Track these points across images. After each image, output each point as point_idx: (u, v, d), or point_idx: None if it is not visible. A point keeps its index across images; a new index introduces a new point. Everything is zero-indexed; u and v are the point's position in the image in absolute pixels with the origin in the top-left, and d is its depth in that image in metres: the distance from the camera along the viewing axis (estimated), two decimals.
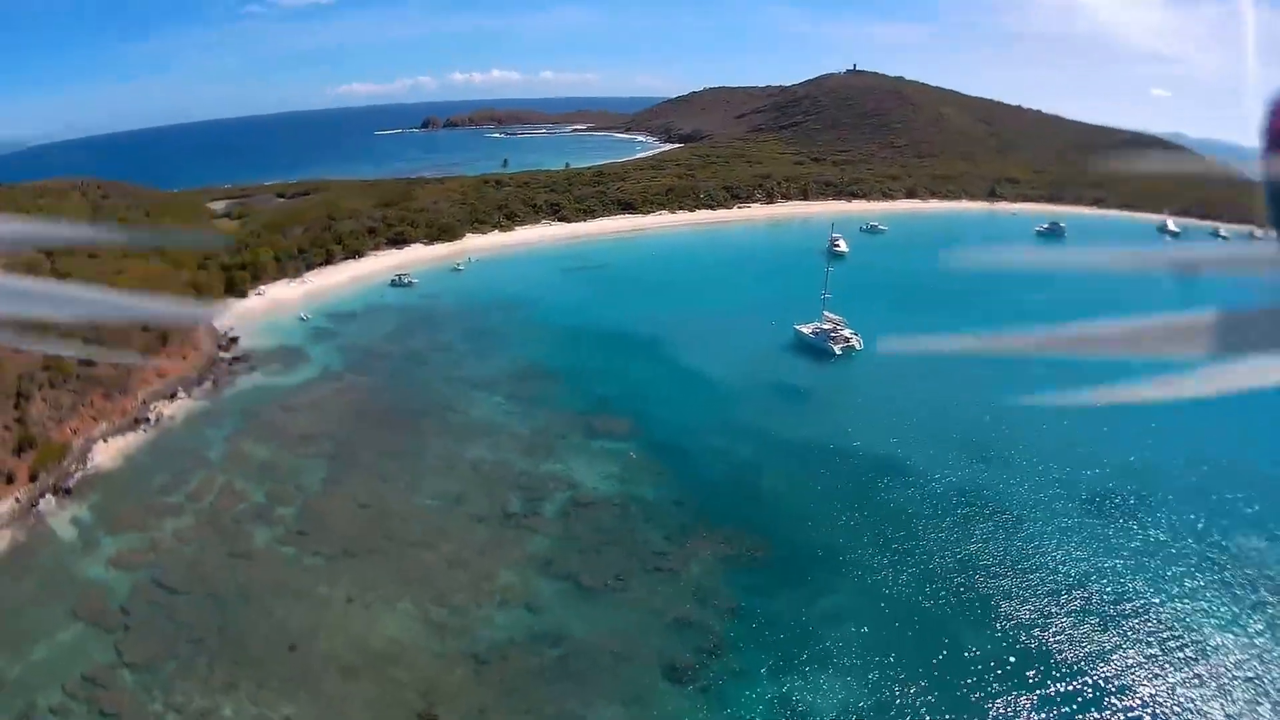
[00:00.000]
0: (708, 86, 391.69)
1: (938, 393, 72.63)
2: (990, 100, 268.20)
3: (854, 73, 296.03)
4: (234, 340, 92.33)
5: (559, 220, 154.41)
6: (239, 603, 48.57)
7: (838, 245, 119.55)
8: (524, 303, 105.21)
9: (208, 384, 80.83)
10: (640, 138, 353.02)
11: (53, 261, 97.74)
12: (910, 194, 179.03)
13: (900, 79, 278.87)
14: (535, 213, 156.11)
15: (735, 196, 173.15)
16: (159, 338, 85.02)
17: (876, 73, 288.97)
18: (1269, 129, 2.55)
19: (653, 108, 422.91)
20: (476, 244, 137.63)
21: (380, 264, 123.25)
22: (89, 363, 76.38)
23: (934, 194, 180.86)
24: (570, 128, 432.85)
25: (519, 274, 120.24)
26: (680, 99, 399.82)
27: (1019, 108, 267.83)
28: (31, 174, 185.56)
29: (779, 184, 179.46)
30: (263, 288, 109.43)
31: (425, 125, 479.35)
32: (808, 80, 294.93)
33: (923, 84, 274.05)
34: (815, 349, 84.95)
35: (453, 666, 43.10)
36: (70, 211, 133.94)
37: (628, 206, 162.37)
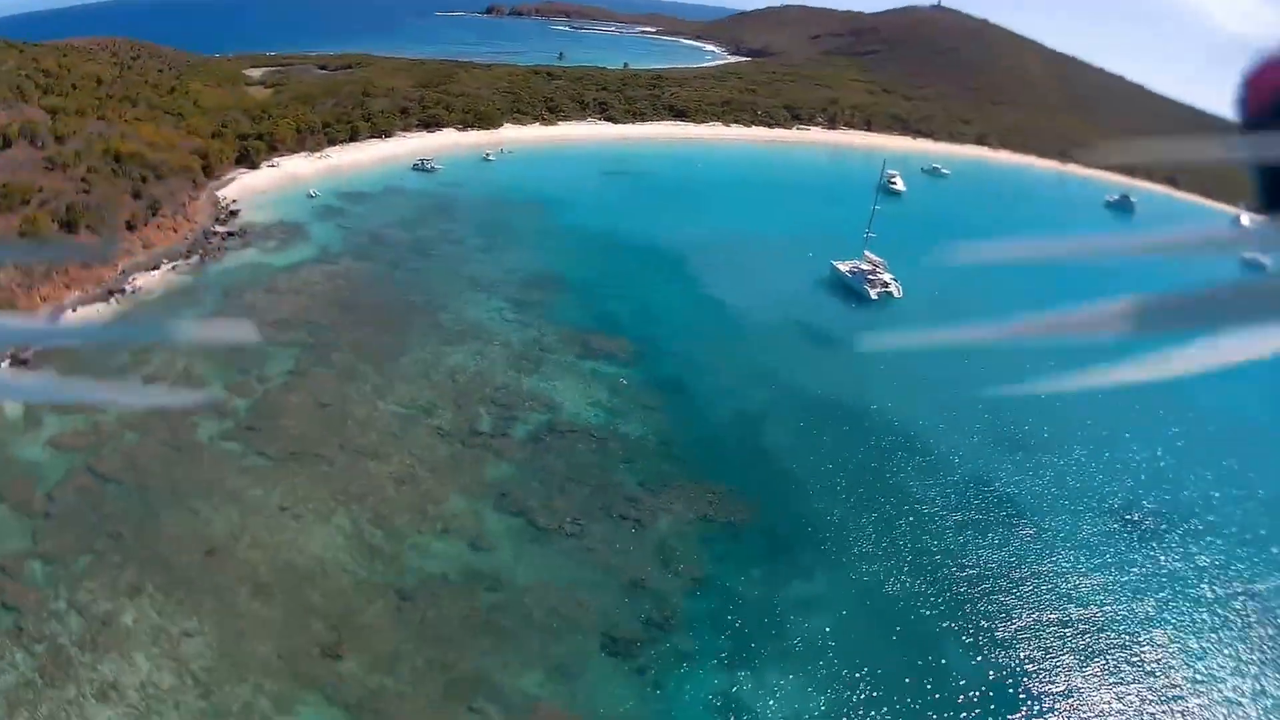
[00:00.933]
0: (786, 3, 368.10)
1: (971, 365, 64.33)
2: (1072, 58, 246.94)
3: (938, 9, 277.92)
4: (234, 213, 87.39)
5: (606, 120, 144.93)
6: (167, 499, 44.19)
7: (894, 183, 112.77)
8: (550, 202, 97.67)
9: (195, 258, 75.88)
10: (709, 47, 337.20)
11: (54, 119, 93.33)
12: (979, 140, 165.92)
13: (985, 22, 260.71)
14: (582, 109, 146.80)
15: (795, 117, 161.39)
16: (149, 207, 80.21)
17: (962, 11, 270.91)
18: (1245, 102, 2.47)
19: (725, 19, 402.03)
20: (514, 135, 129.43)
21: (407, 146, 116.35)
22: (70, 228, 71.97)
23: (1004, 144, 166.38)
24: (638, 29, 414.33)
25: (552, 172, 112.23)
26: (755, 12, 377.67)
27: (1101, 70, 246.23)
28: (78, 32, 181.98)
29: (843, 111, 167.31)
30: (278, 160, 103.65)
31: (489, 11, 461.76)
32: (889, 10, 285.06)
33: (1007, 30, 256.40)
34: (850, 290, 78.11)
35: (373, 599, 38.20)
36: (92, 71, 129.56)
37: (680, 114, 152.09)
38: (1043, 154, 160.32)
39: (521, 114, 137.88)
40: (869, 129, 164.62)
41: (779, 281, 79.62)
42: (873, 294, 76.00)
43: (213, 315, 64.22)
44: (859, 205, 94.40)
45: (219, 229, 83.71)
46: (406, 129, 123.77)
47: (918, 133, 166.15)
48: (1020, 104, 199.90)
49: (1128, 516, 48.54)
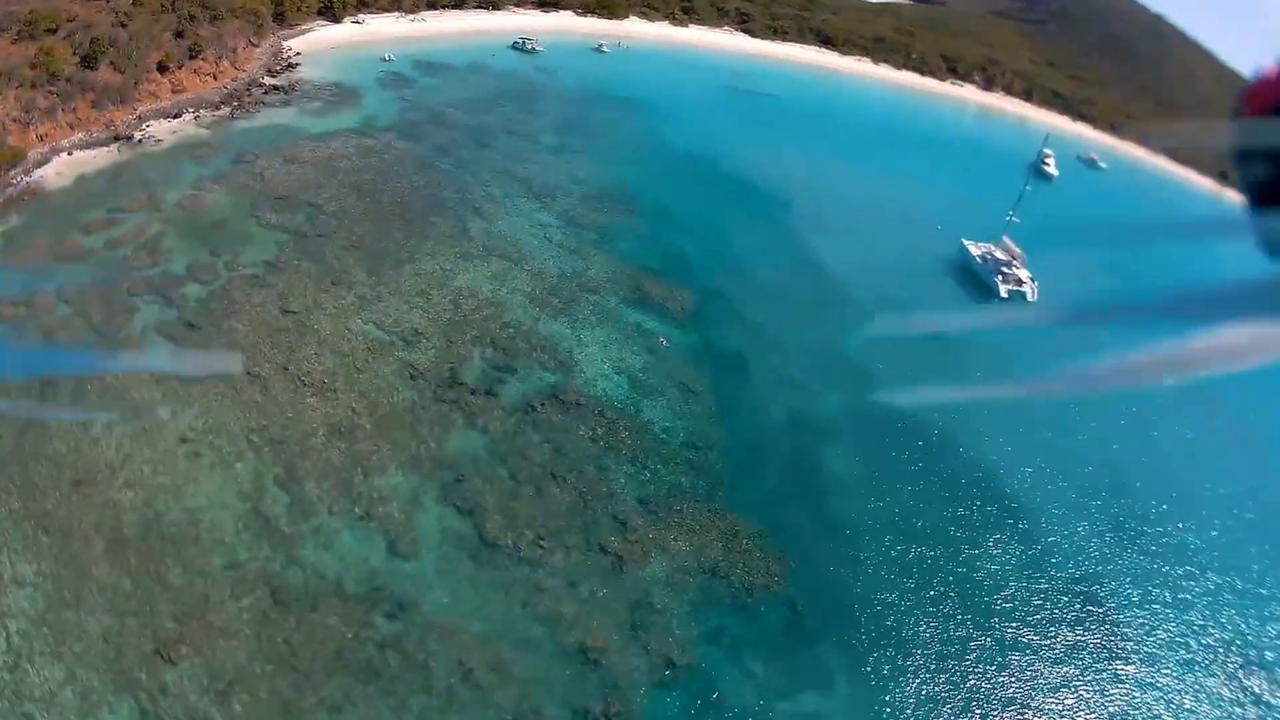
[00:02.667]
0: None
1: (1117, 419, 47.66)
2: (1242, 76, 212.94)
3: None
4: (291, 66, 76.78)
5: (743, 32, 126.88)
6: (65, 398, 35.04)
7: (1047, 164, 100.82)
8: (653, 109, 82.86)
9: (225, 110, 65.74)
10: None
11: None
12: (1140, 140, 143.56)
13: (1159, 17, 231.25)
14: (719, 16, 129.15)
15: (951, 70, 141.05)
16: (189, 49, 69.98)
17: (1135, 1, 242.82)
18: (1247, 99, 2.53)
19: None
20: (636, 30, 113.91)
21: (514, 23, 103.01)
22: (90, 64, 62.43)
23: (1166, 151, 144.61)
24: None
25: (667, 76, 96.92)
26: None
27: None
28: None
29: (1004, 74, 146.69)
30: (365, 16, 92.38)
31: None
32: None
33: (1181, 30, 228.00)
34: (978, 279, 64.09)
35: (240, 593, 28.12)
36: None
37: (826, 41, 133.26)
38: (1203, 172, 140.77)
39: (651, 9, 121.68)
40: (1027, 99, 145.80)
41: (894, 252, 63.31)
42: (1002, 290, 61.89)
43: (217, 177, 54.14)
44: (1003, 181, 78.12)
45: (267, 81, 73.28)
46: (520, 4, 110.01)
47: (1078, 115, 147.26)
48: (1187, 112, 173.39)
49: None
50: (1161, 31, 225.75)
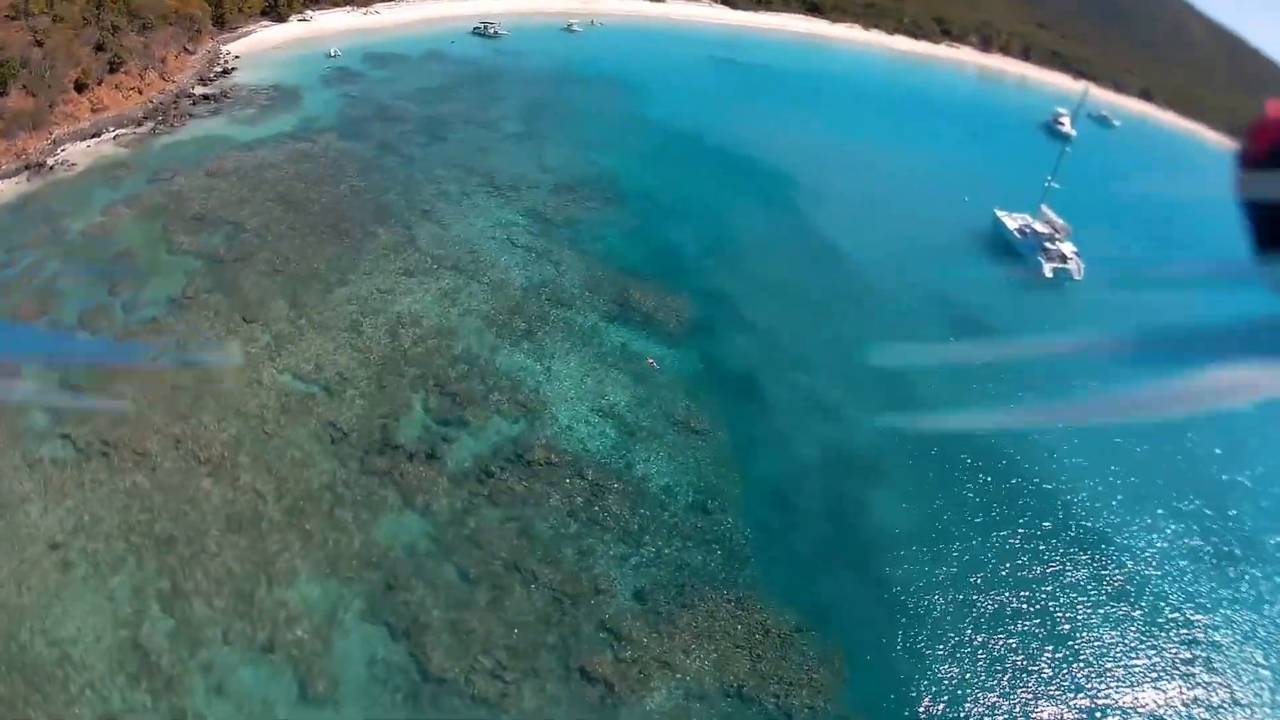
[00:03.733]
0: None
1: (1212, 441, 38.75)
2: (1234, 34, 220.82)
3: None
4: (227, 71, 69.25)
5: (723, 3, 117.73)
6: None
7: (1061, 123, 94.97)
8: (632, 87, 73.88)
9: (149, 126, 57.61)
10: None
11: None
12: (1144, 95, 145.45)
13: None
14: None
15: (946, 33, 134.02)
16: (109, 63, 61.95)
17: None
18: (1250, 148, 2.46)
19: None
20: (611, 7, 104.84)
21: (479, 7, 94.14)
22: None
23: (1170, 105, 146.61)
24: None
25: (645, 52, 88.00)
26: None
27: (1259, 53, 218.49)
28: None
29: (1000, 34, 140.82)
30: (311, 13, 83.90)
31: None
32: None
33: None
34: (1016, 255, 55.63)
35: None
36: None
37: (814, 8, 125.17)
38: (1212, 125, 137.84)
39: None
40: (1026, 59, 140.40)
41: (917, 230, 54.28)
42: (1046, 269, 53.20)
43: (127, 200, 46.21)
44: (1020, 144, 70.58)
45: (197, 90, 65.14)
46: None
47: (1079, 73, 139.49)
48: (1183, 67, 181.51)
49: None
50: None
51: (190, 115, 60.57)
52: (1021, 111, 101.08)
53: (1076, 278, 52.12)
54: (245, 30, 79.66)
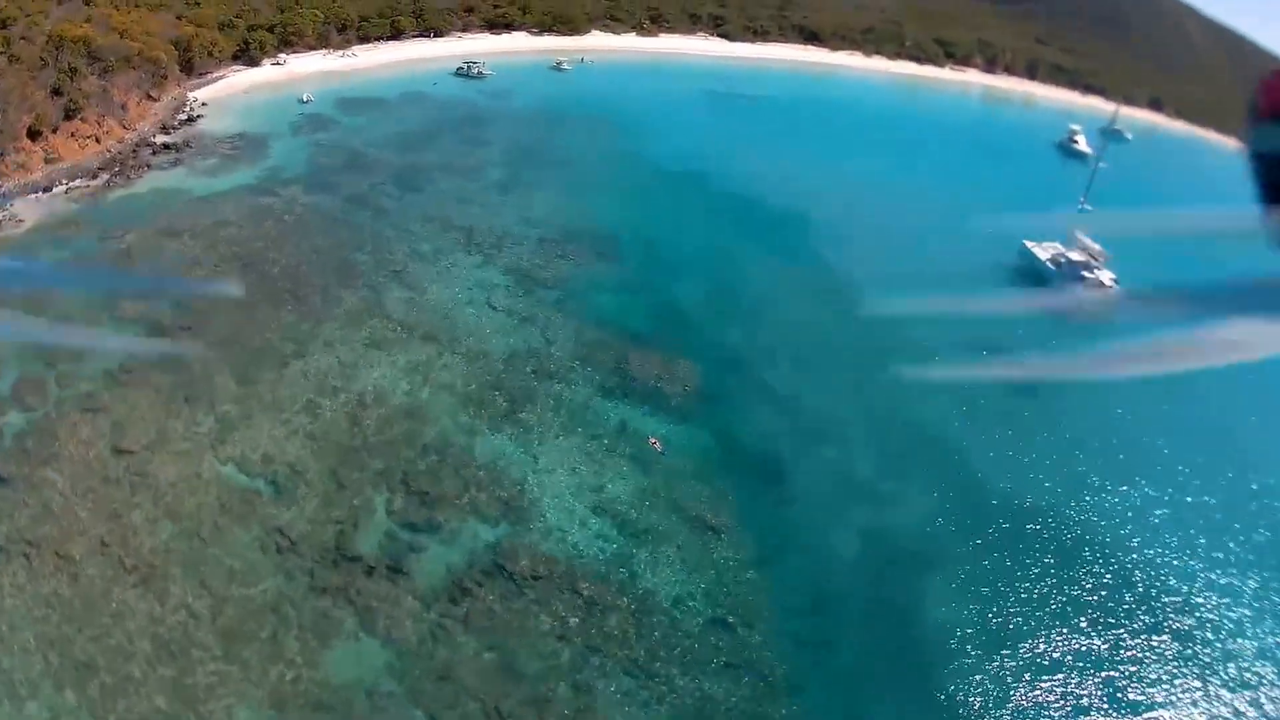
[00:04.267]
0: None
1: None
2: (1234, 32, 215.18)
3: None
4: (192, 119, 65.01)
5: (719, 36, 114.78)
6: None
7: (1076, 141, 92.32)
8: (626, 126, 69.82)
9: (104, 178, 53.69)
10: None
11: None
12: (1154, 105, 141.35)
13: None
14: (692, 23, 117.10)
15: (950, 55, 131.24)
16: (65, 109, 58.23)
17: None
18: (1262, 103, 2.47)
19: None
20: (600, 44, 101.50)
21: (461, 48, 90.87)
22: None
23: (1181, 115, 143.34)
24: None
25: (638, 88, 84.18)
26: None
27: (1259, 48, 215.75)
28: None
29: (1004, 53, 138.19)
30: (285, 57, 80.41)
31: None
32: None
33: None
34: (1051, 287, 50.69)
35: None
36: None
37: (812, 37, 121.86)
38: (1227, 133, 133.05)
39: (615, 20, 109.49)
40: (1031, 78, 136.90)
41: (941, 267, 49.62)
42: None
43: (77, 263, 41.98)
44: (1036, 166, 68.08)
45: (159, 139, 61.21)
46: (467, 28, 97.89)
47: (1086, 88, 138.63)
48: (1190, 74, 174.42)
49: None
50: None
51: (149, 166, 56.67)
52: (1034, 131, 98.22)
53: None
54: (215, 75, 76.07)
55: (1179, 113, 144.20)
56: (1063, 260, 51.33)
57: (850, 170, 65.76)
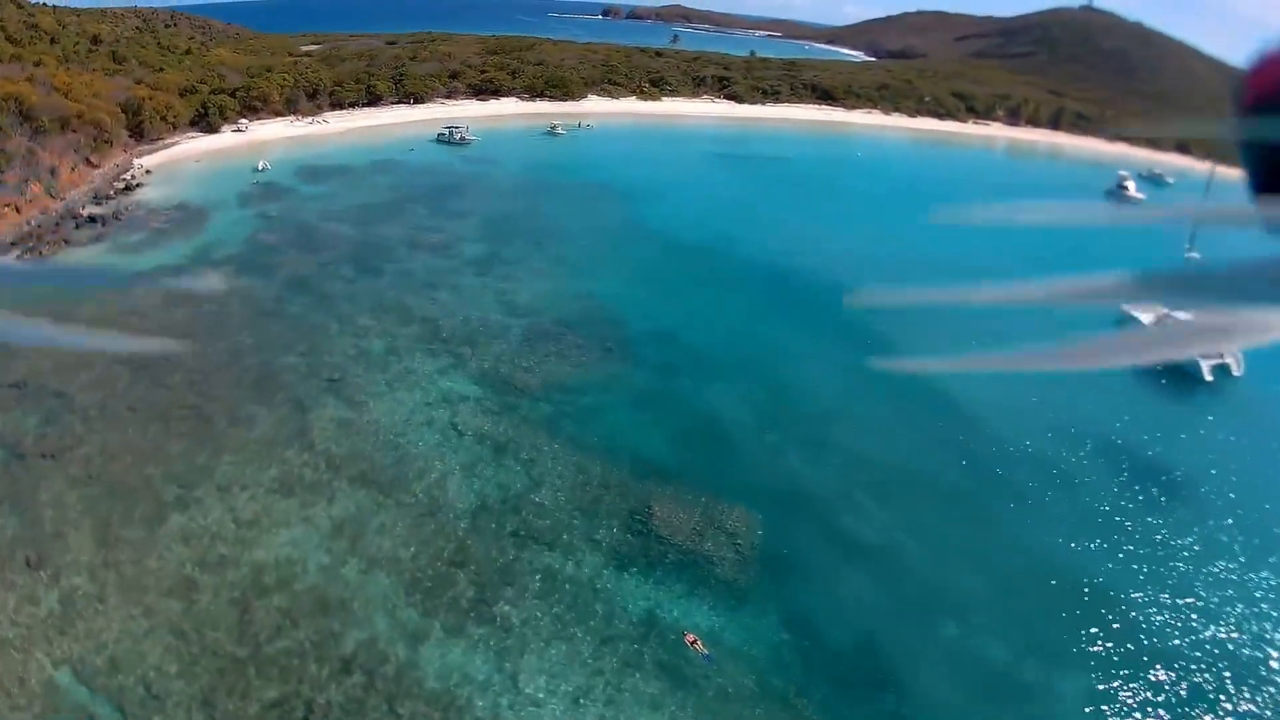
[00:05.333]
0: (919, 8, 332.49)
1: None
2: (1235, 68, 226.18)
3: (1088, 9, 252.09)
4: (130, 187, 57.02)
5: (728, 99, 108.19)
6: None
7: (1126, 188, 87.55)
8: (628, 191, 61.17)
9: (13, 254, 45.23)
10: (844, 51, 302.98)
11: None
12: (1180, 148, 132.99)
13: (1140, 24, 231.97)
14: (696, 86, 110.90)
15: (971, 110, 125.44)
16: None
17: (1114, 13, 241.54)
18: (1243, 92, 2.42)
19: (857, 25, 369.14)
20: (598, 108, 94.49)
21: (445, 113, 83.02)
22: None
23: (1208, 156, 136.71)
24: (762, 33, 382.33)
25: (640, 153, 76.21)
26: (889, 18, 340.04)
27: None
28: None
29: (1026, 103, 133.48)
30: (246, 122, 72.87)
31: (606, 14, 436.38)
32: (1036, 11, 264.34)
33: (1163, 33, 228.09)
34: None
35: None
36: (94, 30, 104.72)
37: (826, 96, 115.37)
38: None
39: (614, 84, 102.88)
40: (1055, 128, 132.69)
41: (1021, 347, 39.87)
42: (1205, 370, 42.14)
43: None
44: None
45: (88, 210, 52.81)
46: (452, 94, 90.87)
47: (1113, 135, 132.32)
48: (1205, 113, 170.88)
49: None
50: (1148, 38, 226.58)
51: (67, 242, 48.42)
52: (1079, 180, 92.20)
53: (1236, 374, 41.59)
54: (169, 142, 68.50)
55: (1207, 154, 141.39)
56: (1170, 324, 42.04)
57: (898, 235, 56.62)
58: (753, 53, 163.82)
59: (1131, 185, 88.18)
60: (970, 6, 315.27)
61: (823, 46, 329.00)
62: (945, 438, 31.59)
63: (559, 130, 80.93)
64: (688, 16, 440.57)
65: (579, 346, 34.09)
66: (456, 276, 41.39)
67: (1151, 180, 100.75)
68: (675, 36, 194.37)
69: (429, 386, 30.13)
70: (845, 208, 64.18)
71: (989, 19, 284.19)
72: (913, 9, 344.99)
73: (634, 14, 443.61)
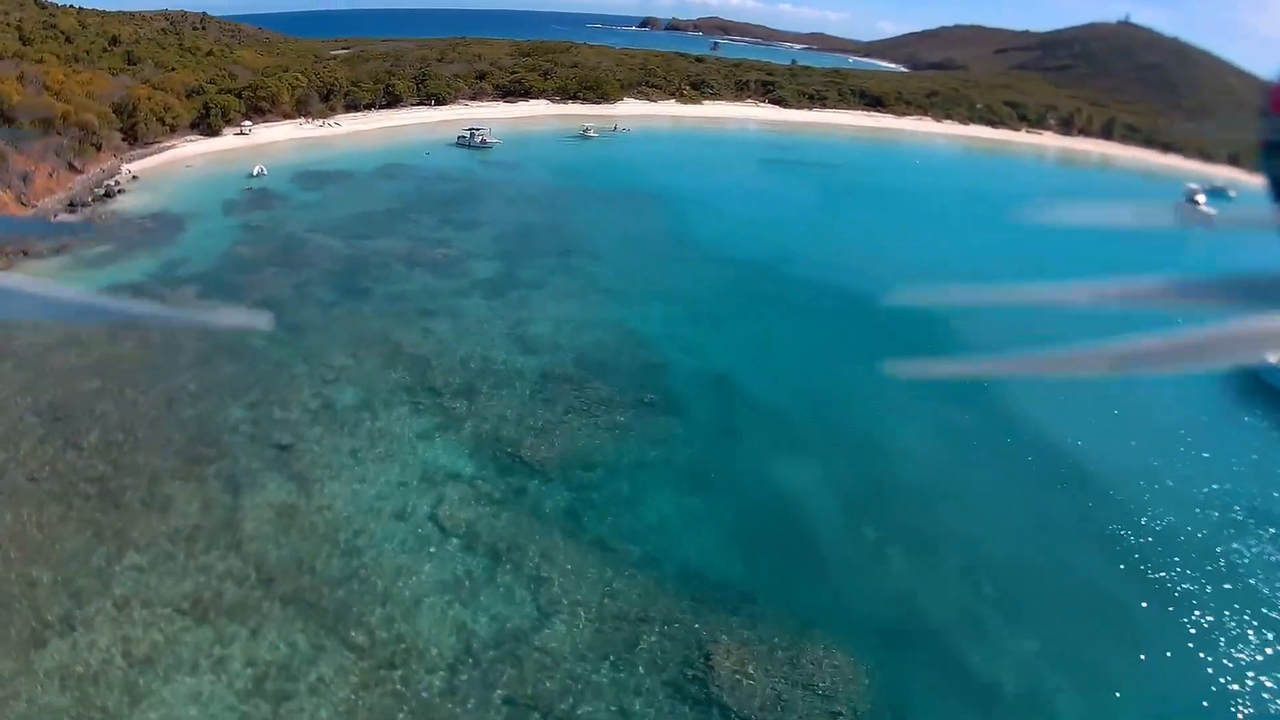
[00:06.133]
0: (956, 23, 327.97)
1: None
2: (1268, 81, 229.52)
3: (1125, 24, 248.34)
4: (110, 195, 50.45)
5: (772, 103, 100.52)
6: None
7: (1198, 201, 79.05)
8: (668, 199, 53.90)
9: None
10: (883, 63, 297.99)
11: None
12: (1232, 161, 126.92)
13: (1178, 39, 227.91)
14: (739, 91, 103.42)
15: (1023, 118, 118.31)
16: None
17: (1151, 29, 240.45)
18: (1270, 103, 2.43)
19: (894, 38, 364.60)
20: (634, 111, 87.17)
21: (470, 115, 76.47)
22: None
23: (1256, 169, 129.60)
24: (801, 45, 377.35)
25: (687, 157, 68.94)
26: (927, 32, 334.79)
27: None
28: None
29: (1079, 112, 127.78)
30: (249, 124, 66.24)
31: (644, 25, 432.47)
32: (1075, 26, 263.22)
33: (1201, 49, 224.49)
34: None
35: None
36: (113, 31, 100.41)
37: (875, 102, 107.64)
38: None
39: (651, 87, 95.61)
40: (1106, 138, 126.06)
41: (1147, 399, 31.92)
42: None
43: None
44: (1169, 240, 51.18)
45: (61, 218, 47.21)
46: (477, 96, 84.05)
47: (1165, 146, 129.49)
48: (1241, 125, 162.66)
49: None
50: (1186, 54, 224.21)
51: (25, 254, 41.47)
52: (1143, 192, 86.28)
53: None
54: (164, 145, 62.29)
55: (1256, 167, 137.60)
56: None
57: (977, 249, 48.62)
58: (794, 61, 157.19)
59: (1202, 198, 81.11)
60: (1003, 22, 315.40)
61: (861, 59, 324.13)
62: (1072, 516, 23.85)
63: (591, 133, 73.74)
64: (725, 29, 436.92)
65: (609, 399, 26.26)
66: (459, 301, 33.86)
67: (1215, 193, 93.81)
68: (715, 44, 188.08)
69: (407, 458, 22.58)
70: (912, 218, 56.29)
71: (1026, 33, 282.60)
72: (948, 24, 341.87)
73: (672, 25, 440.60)
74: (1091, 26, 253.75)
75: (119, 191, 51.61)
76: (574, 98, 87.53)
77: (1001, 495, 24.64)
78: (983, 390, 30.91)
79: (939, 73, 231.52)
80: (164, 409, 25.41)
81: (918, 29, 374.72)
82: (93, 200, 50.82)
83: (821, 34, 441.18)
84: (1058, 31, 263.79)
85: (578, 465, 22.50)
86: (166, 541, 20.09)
